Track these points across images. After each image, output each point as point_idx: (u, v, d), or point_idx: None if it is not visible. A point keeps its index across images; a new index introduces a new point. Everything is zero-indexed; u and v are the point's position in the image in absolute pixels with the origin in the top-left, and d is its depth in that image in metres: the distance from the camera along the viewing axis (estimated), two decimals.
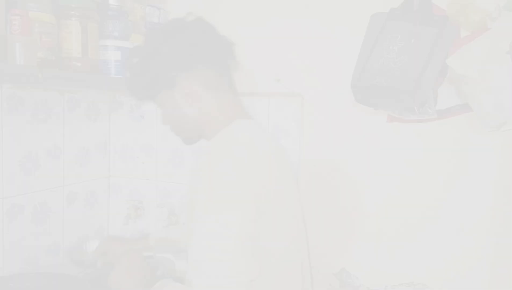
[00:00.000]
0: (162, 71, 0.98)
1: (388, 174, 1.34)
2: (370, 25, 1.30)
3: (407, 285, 1.37)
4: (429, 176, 1.32)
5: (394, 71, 1.20)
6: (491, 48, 1.12)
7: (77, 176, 1.58)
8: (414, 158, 1.33)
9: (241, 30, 1.48)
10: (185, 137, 1.09)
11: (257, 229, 0.89)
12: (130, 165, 1.73)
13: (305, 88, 1.44)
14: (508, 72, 1.09)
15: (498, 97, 1.11)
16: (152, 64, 0.99)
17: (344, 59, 1.32)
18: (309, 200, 1.40)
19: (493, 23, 1.14)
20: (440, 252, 1.32)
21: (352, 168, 1.41)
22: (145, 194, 1.71)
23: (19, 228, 1.35)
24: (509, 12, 1.12)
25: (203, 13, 1.43)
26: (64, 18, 1.13)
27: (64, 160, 1.51)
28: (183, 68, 0.99)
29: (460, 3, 1.19)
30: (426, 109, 1.22)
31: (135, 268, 1.09)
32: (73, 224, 1.57)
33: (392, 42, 1.22)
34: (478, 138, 1.24)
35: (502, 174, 1.23)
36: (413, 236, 1.35)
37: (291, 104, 1.47)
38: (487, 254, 1.26)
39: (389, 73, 1.20)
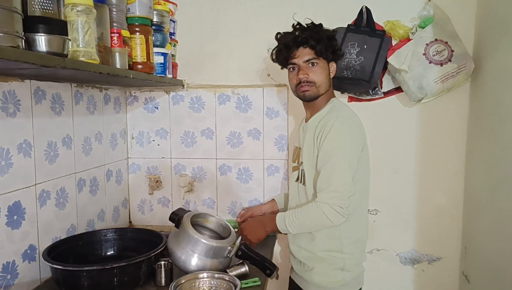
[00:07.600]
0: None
1: None
2: None
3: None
4: (375, 135, 1.95)
5: (355, 67, 1.80)
6: (413, 51, 1.76)
7: (110, 158, 1.94)
8: (364, 124, 1.95)
9: (240, 39, 1.98)
10: (313, 93, 1.54)
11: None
12: (146, 147, 2.12)
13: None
14: (423, 66, 1.74)
15: (419, 82, 1.76)
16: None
17: None
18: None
19: (412, 35, 1.80)
20: (383, 187, 1.97)
21: None
22: (161, 170, 2.12)
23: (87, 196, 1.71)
24: (421, 29, 1.78)
25: (207, 23, 1.90)
26: (132, 33, 1.53)
27: (104, 144, 1.88)
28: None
29: (392, 22, 1.83)
30: (376, 91, 1.85)
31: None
32: (110, 195, 1.95)
33: (352, 47, 1.83)
34: (406, 108, 1.91)
35: (420, 129, 1.92)
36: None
37: (279, 92, 2.01)
38: (410, 182, 1.95)
39: (352, 68, 1.80)
